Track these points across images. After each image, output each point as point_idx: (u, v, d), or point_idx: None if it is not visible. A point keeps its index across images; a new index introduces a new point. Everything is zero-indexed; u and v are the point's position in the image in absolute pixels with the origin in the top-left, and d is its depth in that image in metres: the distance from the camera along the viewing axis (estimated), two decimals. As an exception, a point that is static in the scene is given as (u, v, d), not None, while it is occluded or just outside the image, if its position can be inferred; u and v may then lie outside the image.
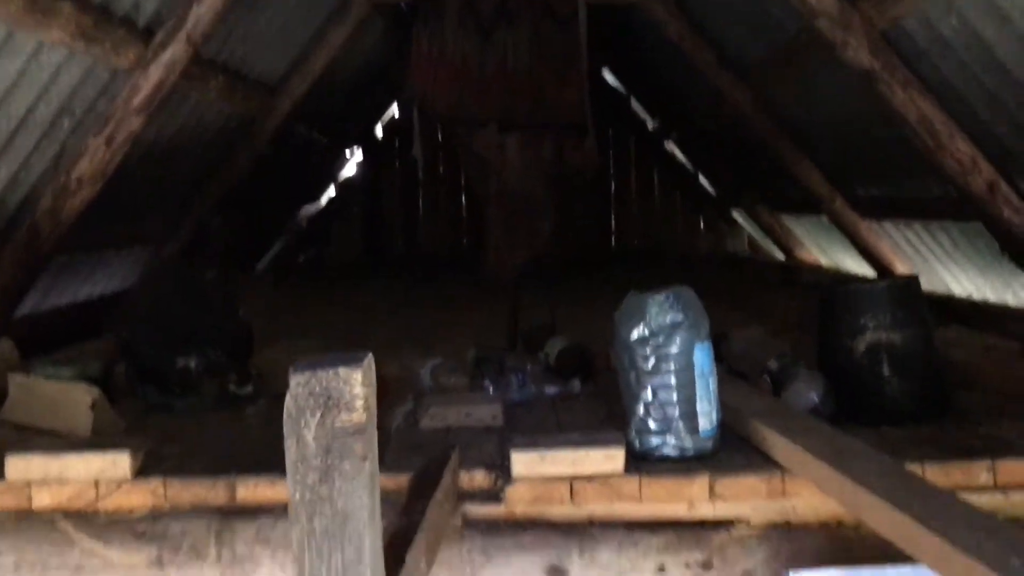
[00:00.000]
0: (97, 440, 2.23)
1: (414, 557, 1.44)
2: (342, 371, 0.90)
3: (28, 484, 2.03)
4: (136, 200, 5.09)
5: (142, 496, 2.04)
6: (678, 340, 2.05)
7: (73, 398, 2.38)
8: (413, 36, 5.64)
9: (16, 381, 2.57)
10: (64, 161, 3.97)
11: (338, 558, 0.86)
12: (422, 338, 3.60)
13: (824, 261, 7.03)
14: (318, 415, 0.88)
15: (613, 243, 9.17)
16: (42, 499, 2.03)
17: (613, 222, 9.24)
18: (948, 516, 1.44)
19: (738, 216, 8.29)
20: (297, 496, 0.89)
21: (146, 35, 3.94)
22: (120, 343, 3.03)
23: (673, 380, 2.04)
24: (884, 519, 1.53)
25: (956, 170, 3.66)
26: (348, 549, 0.86)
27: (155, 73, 3.90)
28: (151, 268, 3.62)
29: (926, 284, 5.29)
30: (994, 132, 3.59)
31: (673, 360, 2.04)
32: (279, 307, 5.02)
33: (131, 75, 3.91)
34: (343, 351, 3.18)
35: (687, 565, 1.96)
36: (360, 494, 0.87)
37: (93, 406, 2.35)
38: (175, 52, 3.90)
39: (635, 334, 2.07)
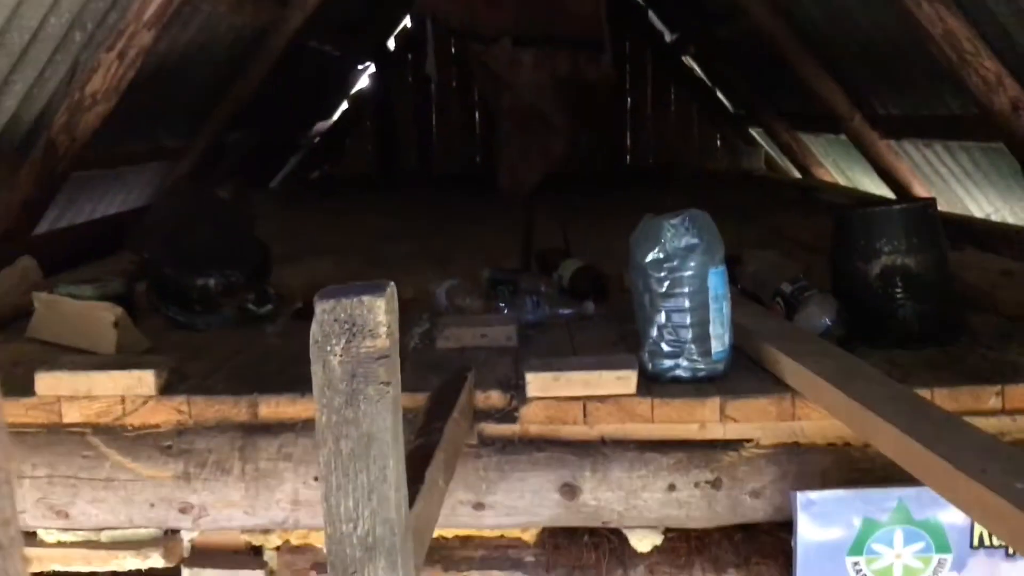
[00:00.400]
0: (122, 357, 2.29)
1: (432, 474, 1.49)
2: (366, 299, 0.93)
3: (58, 400, 2.09)
4: (150, 116, 5.08)
5: (167, 413, 2.10)
6: (692, 264, 2.06)
7: (97, 316, 2.43)
8: (426, -53, 5.49)
9: (41, 299, 2.62)
10: (78, 76, 3.95)
11: (364, 478, 0.90)
12: (437, 258, 3.62)
13: (842, 181, 6.96)
14: (343, 341, 0.91)
15: (628, 159, 9.07)
16: (72, 414, 2.10)
17: (628, 138, 9.13)
18: (954, 440, 1.47)
19: (755, 133, 8.17)
20: (324, 419, 0.92)
21: (155, -55, 3.86)
22: (141, 262, 3.07)
23: (687, 303, 2.06)
24: (891, 442, 1.57)
25: (980, 87, 3.59)
26: (373, 469, 0.90)
27: (165, -16, 3.83)
28: (169, 188, 3.63)
29: (944, 205, 5.28)
30: (1020, 49, 3.50)
31: (687, 283, 2.06)
32: (294, 226, 5.03)
33: (141, -13, 3.85)
34: (358, 273, 3.20)
35: (696, 484, 2.01)
36: (384, 417, 0.90)
37: (116, 324, 2.39)
38: (185, -38, 3.82)
39: (650, 257, 2.08)
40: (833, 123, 5.73)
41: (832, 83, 5.35)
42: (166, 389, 2.12)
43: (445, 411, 1.80)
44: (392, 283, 1.01)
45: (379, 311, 0.91)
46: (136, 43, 3.87)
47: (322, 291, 0.98)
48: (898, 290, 2.24)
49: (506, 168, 5.85)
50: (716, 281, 2.07)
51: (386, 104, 9.02)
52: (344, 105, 9.17)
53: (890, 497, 1.87)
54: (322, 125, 8.83)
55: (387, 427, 0.90)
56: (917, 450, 1.47)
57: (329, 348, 0.92)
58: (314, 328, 0.95)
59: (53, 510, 2.08)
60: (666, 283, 2.07)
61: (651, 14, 8.88)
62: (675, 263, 2.06)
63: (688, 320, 2.07)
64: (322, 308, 0.93)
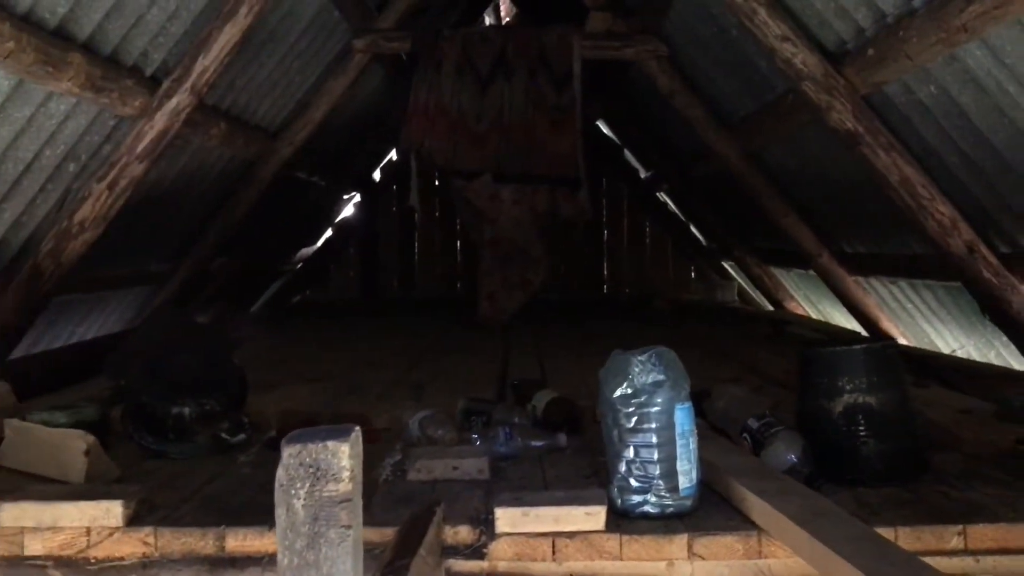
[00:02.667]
0: (90, 487, 2.27)
1: (397, 613, 1.49)
2: (331, 444, 0.97)
3: (21, 531, 2.07)
4: (136, 241, 5.18)
5: (133, 545, 2.07)
6: (659, 400, 2.11)
7: (68, 445, 2.42)
8: (412, 87, 5.76)
9: (12, 426, 2.61)
10: (68, 204, 4.06)
11: (323, 622, 0.92)
12: (414, 386, 3.65)
13: (813, 314, 7.12)
14: (307, 485, 0.94)
15: (605, 289, 9.27)
16: (34, 546, 2.06)
17: (605, 269, 9.35)
18: (912, 582, 1.49)
19: (729, 267, 8.40)
20: (285, 561, 0.94)
21: (153, 84, 4.06)
22: (118, 388, 3.09)
23: (654, 439, 2.10)
24: (851, 583, 1.58)
25: (937, 231, 3.76)
26: (333, 613, 0.92)
27: (160, 121, 4.01)
28: (151, 313, 3.68)
29: (912, 340, 5.42)
30: (973, 195, 3.70)
31: (654, 419, 2.10)
32: (274, 352, 5.07)
33: (136, 122, 4.02)
34: (334, 401, 3.21)
35: (665, 623, 1.99)
36: (344, 560, 0.92)
37: (87, 453, 2.39)
38: (180, 101, 4.02)
39: (618, 392, 2.13)
40: (802, 259, 5.93)
41: (800, 222, 5.57)
42: (134, 520, 2.10)
43: (412, 548, 1.80)
44: (357, 428, 1.06)
45: (343, 456, 0.95)
46: (127, 174, 4.01)
47: (290, 435, 1.02)
48: (861, 428, 2.29)
49: (486, 297, 5.97)
50: (682, 417, 2.12)
51: (370, 232, 9.25)
52: (328, 232, 9.38)
53: (857, 639, 1.86)
54: (306, 251, 9.00)
55: (347, 570, 0.92)
56: (877, 592, 1.49)
57: (293, 492, 0.95)
58: (280, 472, 0.99)
59: (7, 647, 2.02)
60: (634, 418, 2.12)
61: (627, 153, 9.27)
62: (643, 399, 2.11)
63: (656, 456, 2.10)
64: (288, 452, 0.97)
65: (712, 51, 5.22)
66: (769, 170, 5.58)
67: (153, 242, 5.52)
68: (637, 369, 2.14)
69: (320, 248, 9.28)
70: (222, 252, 6.28)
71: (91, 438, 2.43)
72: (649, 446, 2.11)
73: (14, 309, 3.94)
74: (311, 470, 0.95)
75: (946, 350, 5.00)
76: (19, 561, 2.07)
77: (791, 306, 7.29)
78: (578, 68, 5.69)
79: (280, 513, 0.96)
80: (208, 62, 4.00)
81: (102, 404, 3.02)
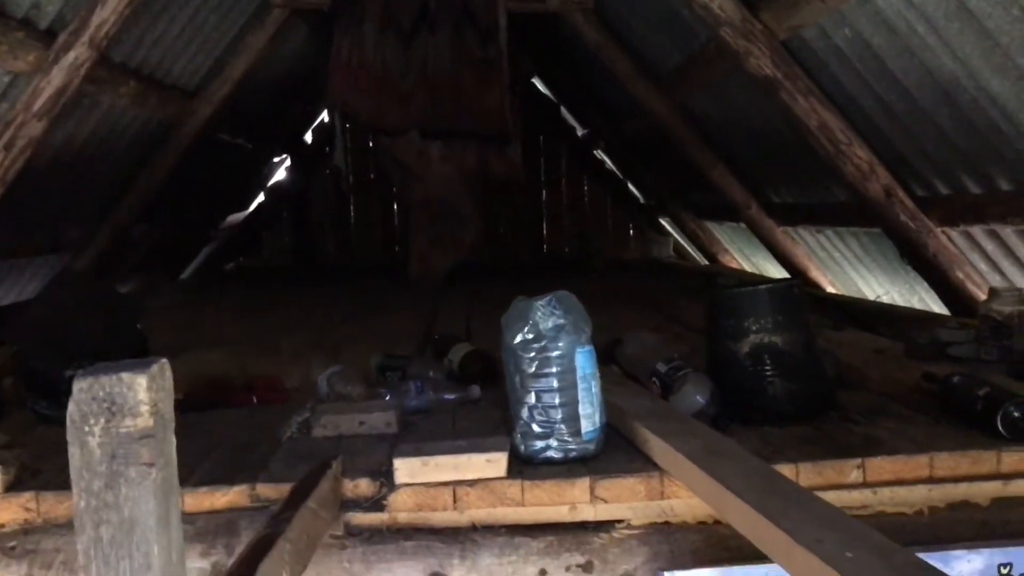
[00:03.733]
0: (-32, 454, 2.16)
1: (270, 567, 1.43)
2: (125, 376, 0.89)
3: None
4: (48, 207, 4.98)
5: (13, 511, 1.98)
6: (560, 344, 2.06)
7: (-51, 411, 2.31)
8: (333, 43, 5.60)
9: None
10: (-36, 167, 3.86)
11: (126, 566, 0.85)
12: (332, 347, 3.57)
13: (747, 267, 7.17)
14: (102, 421, 0.87)
15: (544, 250, 9.23)
16: (-92, 516, 1.96)
17: (545, 228, 9.30)
18: (799, 514, 1.48)
19: (665, 223, 8.41)
20: (83, 504, 0.87)
21: (48, 37, 3.86)
22: (12, 353, 2.95)
23: (555, 383, 2.06)
24: (740, 517, 1.57)
25: (855, 176, 3.77)
26: (136, 556, 0.85)
27: (57, 76, 3.82)
28: (52, 279, 3.53)
29: (841, 288, 5.48)
30: (889, 139, 3.71)
31: (555, 363, 2.06)
32: (194, 318, 4.92)
33: (32, 78, 3.83)
34: (246, 364, 3.11)
35: (568, 568, 1.97)
36: (147, 500, 0.86)
37: (-31, 419, 2.27)
38: (78, 55, 3.83)
39: (519, 338, 2.09)
40: (733, 212, 5.94)
41: (728, 174, 5.57)
42: (14, 485, 2.00)
43: (300, 501, 1.74)
44: (163, 360, 0.98)
45: (140, 389, 0.88)
46: (25, 133, 3.83)
47: (84, 370, 0.94)
48: (767, 368, 2.28)
49: (416, 257, 5.88)
50: (584, 360, 2.08)
51: (303, 195, 9.04)
52: (260, 197, 9.16)
53: (755, 573, 1.85)
54: (236, 217, 8.78)
55: (151, 511, 0.85)
56: (762, 524, 1.47)
57: (87, 428, 0.88)
58: (71, 408, 0.91)
59: None
60: (535, 363, 2.07)
61: (563, 110, 9.19)
62: (543, 343, 2.06)
63: (557, 400, 2.06)
64: (79, 386, 0.89)
65: (637, 2, 5.15)
66: (697, 122, 5.56)
67: (69, 208, 5.31)
68: (539, 314, 2.10)
69: (251, 213, 9.07)
70: (144, 218, 6.09)
71: (-28, 403, 2.31)
72: (551, 391, 2.07)
73: (-92, 277, 3.75)
74: (105, 405, 0.87)
75: (872, 297, 5.06)
76: None
77: (726, 260, 7.33)
78: (503, 21, 5.58)
79: (74, 452, 0.89)
80: (107, 14, 3.81)
81: (-3, 371, 2.89)
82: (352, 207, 9.18)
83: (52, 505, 1.99)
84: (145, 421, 0.87)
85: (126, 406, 0.87)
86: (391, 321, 4.40)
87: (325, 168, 8.96)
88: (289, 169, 9.06)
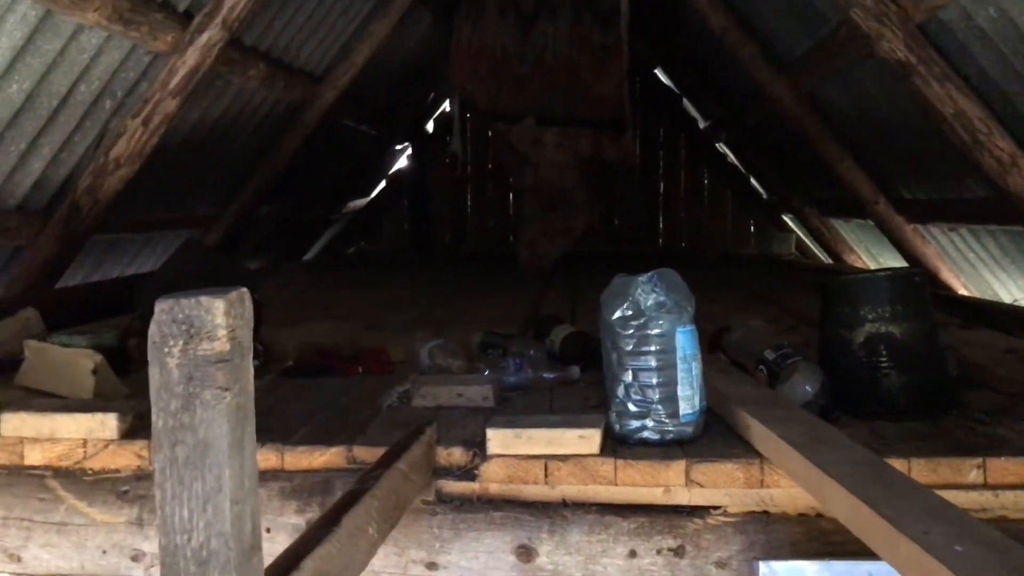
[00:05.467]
0: (88, 401, 2.29)
1: (354, 519, 1.45)
2: (204, 300, 0.91)
3: (21, 441, 2.10)
4: (181, 183, 5.24)
5: (128, 457, 2.08)
6: (661, 322, 2.01)
7: (77, 363, 2.45)
8: (454, 28, 5.66)
9: (30, 346, 2.65)
10: (105, 142, 4.10)
11: (199, 486, 0.87)
12: (437, 324, 3.61)
13: (873, 266, 6.84)
14: (180, 343, 0.89)
15: (660, 242, 9.08)
16: (33, 456, 2.09)
17: (661, 222, 9.15)
18: (903, 504, 1.38)
19: (788, 219, 8.13)
20: (160, 423, 0.90)
21: (185, 19, 4.05)
22: (138, 315, 3.12)
23: (654, 362, 2.01)
24: (841, 505, 1.48)
25: (995, 168, 3.53)
26: (208, 478, 0.87)
27: (191, 56, 4.00)
28: (176, 249, 3.71)
29: (974, 291, 5.15)
30: (1035, 129, 3.45)
31: (654, 342, 2.00)
32: (315, 294, 5.09)
33: (169, 58, 4.02)
34: (355, 336, 3.18)
35: (659, 551, 1.92)
36: (220, 424, 0.87)
37: (95, 371, 2.41)
38: (211, 36, 4.00)
39: (617, 314, 2.04)
40: (860, 208, 5.68)
41: (856, 167, 5.32)
42: (129, 433, 2.10)
43: (391, 462, 1.75)
44: (243, 289, 0.99)
45: (218, 313, 0.89)
46: (161, 110, 4.02)
47: (167, 296, 0.96)
48: (882, 359, 2.15)
49: (526, 243, 5.88)
50: (684, 341, 2.02)
51: (422, 183, 9.21)
52: (382, 184, 9.38)
53: (858, 570, 1.75)
54: (359, 202, 9.03)
55: (224, 434, 0.87)
56: (864, 512, 1.38)
57: (167, 350, 0.90)
58: (152, 329, 0.93)
59: (6, 553, 2.05)
60: (633, 341, 2.02)
61: (685, 102, 9.01)
62: (642, 321, 2.01)
63: (655, 379, 2.01)
64: (160, 308, 0.91)
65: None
66: (824, 112, 5.33)
67: (200, 185, 5.58)
68: (638, 291, 2.05)
69: (373, 200, 9.30)
70: (269, 199, 6.33)
71: (99, 357, 2.45)
72: (648, 370, 2.01)
73: (53, 243, 4.02)
74: (184, 327, 0.89)
75: (1009, 300, 4.74)
76: (19, 470, 2.10)
77: (851, 259, 7.02)
78: (625, 6, 5.50)
79: (153, 373, 0.91)
80: (239, -4, 3.96)
81: (124, 332, 3.05)
82: (469, 195, 9.29)
83: (163, 454, 2.07)
84: (222, 345, 0.88)
85: (204, 329, 0.89)
86: (497, 303, 4.42)
87: (444, 157, 9.10)
88: (410, 157, 9.24)
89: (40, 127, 3.73)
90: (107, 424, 2.08)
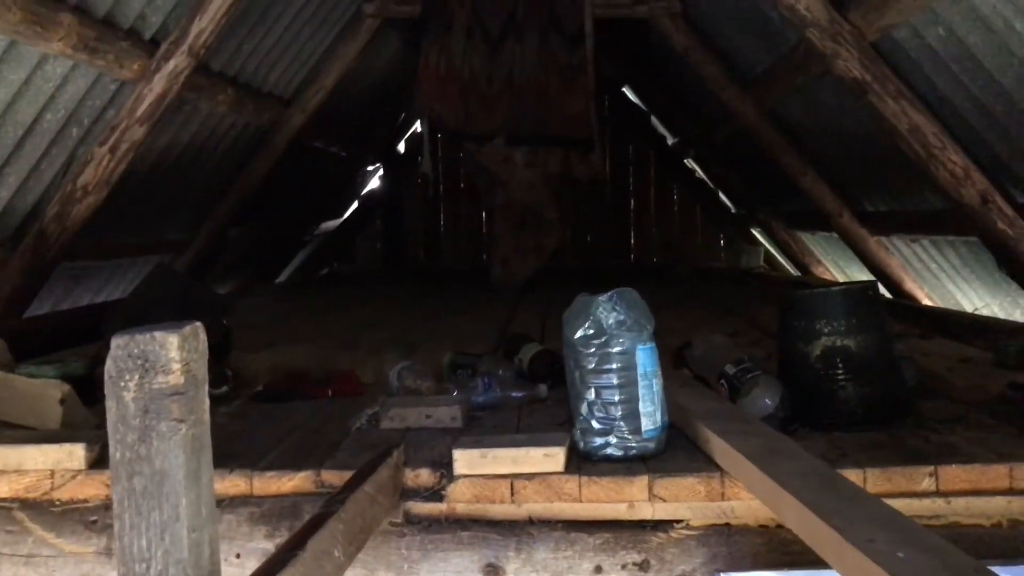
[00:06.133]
0: (55, 432, 2.29)
1: (320, 543, 1.47)
2: (158, 335, 0.94)
3: (-12, 474, 2.09)
4: (150, 209, 5.24)
5: (96, 487, 2.08)
6: (621, 340, 2.05)
7: (45, 394, 2.45)
8: (421, 50, 5.72)
9: (-4, 377, 2.64)
10: (73, 169, 4.10)
11: (156, 516, 0.89)
12: (409, 344, 3.63)
13: (841, 278, 6.95)
14: (136, 377, 0.92)
15: (632, 257, 9.17)
16: (1, 489, 2.09)
17: (632, 237, 9.25)
18: (853, 513, 1.43)
19: (756, 232, 8.24)
20: (118, 455, 0.92)
21: (151, 47, 4.08)
22: (105, 343, 3.11)
23: (616, 380, 2.05)
24: (793, 516, 1.53)
25: (949, 181, 3.62)
26: (166, 507, 0.89)
27: (158, 84, 4.02)
28: (146, 276, 3.71)
29: (938, 300, 5.25)
30: (986, 142, 3.55)
31: (616, 359, 2.05)
32: (286, 317, 5.09)
33: (136, 85, 4.04)
34: (327, 358, 3.19)
35: (624, 566, 1.95)
36: (176, 454, 0.90)
37: (63, 401, 2.41)
38: (177, 63, 4.02)
39: (580, 333, 2.08)
40: (825, 221, 5.78)
41: (819, 181, 5.43)
42: (97, 463, 2.11)
43: (357, 485, 1.78)
44: (197, 323, 1.02)
45: (171, 347, 0.92)
46: (128, 138, 4.03)
47: (123, 331, 0.99)
48: (839, 372, 2.21)
49: (499, 261, 5.93)
50: (645, 358, 2.06)
51: (395, 203, 9.24)
52: (354, 204, 9.40)
53: (815, 580, 1.79)
54: (331, 223, 9.04)
55: (180, 465, 0.89)
56: (813, 521, 1.43)
57: (123, 384, 0.93)
58: (108, 364, 0.96)
59: (-27, 586, 2.05)
60: (595, 359, 2.06)
61: (653, 119, 9.13)
62: (604, 339, 2.05)
63: (617, 397, 2.05)
64: (116, 344, 0.94)
65: (725, 5, 5.08)
66: (786, 128, 5.44)
67: (170, 211, 5.57)
68: (600, 310, 2.09)
69: (346, 220, 9.32)
70: (240, 222, 6.33)
71: (66, 387, 2.45)
72: (611, 387, 2.05)
73: (21, 272, 4.01)
74: (139, 361, 0.92)
75: (970, 309, 4.84)
76: (-14, 503, 2.09)
77: (818, 271, 7.13)
78: (590, 27, 5.59)
79: (111, 406, 0.93)
80: (204, 23, 3.99)
81: (92, 360, 3.04)
82: (441, 215, 9.34)
83: (131, 482, 2.08)
84: (176, 379, 0.91)
85: (159, 363, 0.91)
86: (469, 322, 4.46)
87: (416, 177, 9.14)
88: (382, 177, 9.28)
89: (6, 156, 3.73)
90: (75, 454, 2.08)
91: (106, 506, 2.08)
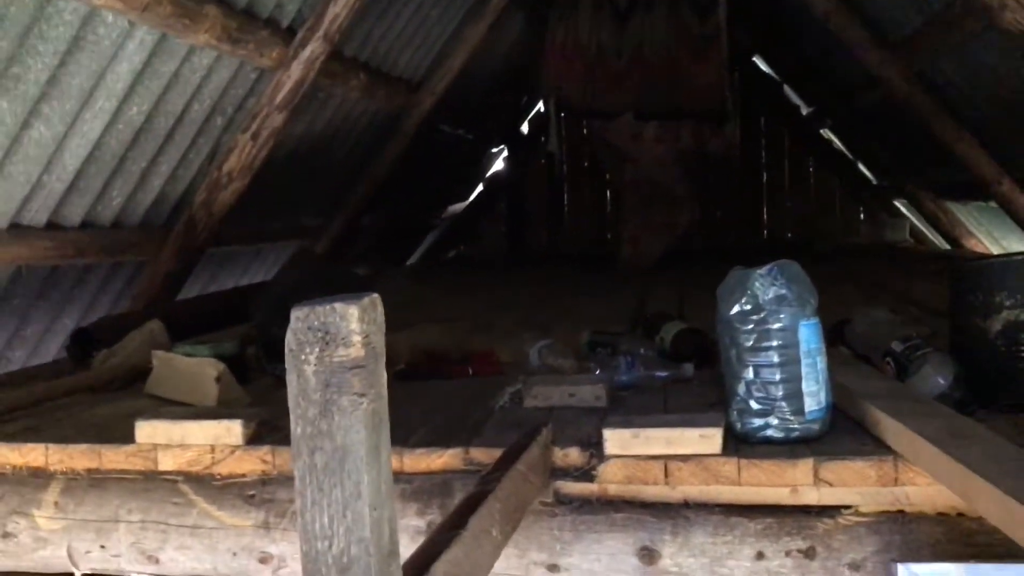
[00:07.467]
0: (214, 409, 2.37)
1: (480, 522, 1.44)
2: (339, 307, 0.91)
3: (154, 448, 2.18)
4: (288, 195, 5.40)
5: (253, 463, 2.14)
6: (782, 316, 1.94)
7: (202, 372, 2.54)
8: (548, 26, 5.64)
9: (157, 356, 2.77)
10: (218, 157, 4.26)
11: (338, 493, 0.87)
12: (542, 325, 3.59)
13: (997, 252, 6.49)
14: (316, 350, 0.90)
15: (766, 235, 8.84)
16: (166, 462, 2.17)
17: (765, 214, 8.91)
18: (1065, 503, 1.29)
19: (900, 204, 7.79)
20: (299, 431, 0.90)
21: (289, 35, 4.16)
22: (255, 325, 3.21)
23: (776, 358, 1.94)
24: (994, 506, 1.39)
25: None
26: (348, 484, 0.87)
27: (296, 70, 4.11)
28: (289, 260, 3.82)
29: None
30: None
31: (776, 336, 1.93)
32: (420, 298, 5.15)
33: (275, 73, 4.14)
34: (463, 338, 3.21)
35: (788, 553, 1.85)
36: (358, 429, 0.87)
37: (218, 379, 2.49)
38: (314, 49, 4.10)
39: (736, 309, 1.98)
40: (981, 189, 5.39)
41: (976, 146, 5.05)
42: (253, 440, 2.16)
43: (510, 464, 1.75)
44: (374, 294, 0.99)
45: (352, 319, 0.89)
46: (269, 124, 4.15)
47: (303, 302, 0.97)
48: (1021, 348, 2.02)
49: (628, 241, 5.81)
50: (808, 334, 1.94)
51: (519, 184, 9.23)
52: (479, 187, 9.45)
53: (1008, 573, 1.65)
54: (457, 206, 9.12)
55: (361, 440, 0.87)
56: (1019, 512, 1.29)
57: (303, 357, 0.91)
58: (288, 337, 0.94)
59: (145, 555, 2.14)
60: (753, 336, 1.96)
61: (786, 89, 8.75)
62: (762, 315, 1.95)
63: (778, 376, 1.94)
64: (296, 316, 0.92)
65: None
66: (940, 92, 5.08)
67: (306, 197, 5.73)
68: (758, 284, 1.98)
69: (471, 203, 9.37)
70: (371, 207, 6.45)
71: (222, 366, 2.54)
72: (771, 366, 1.95)
73: (174, 258, 4.19)
74: (320, 334, 0.90)
75: None
76: (154, 475, 2.18)
77: (971, 244, 6.68)
78: (723, -3, 5.38)
79: (291, 380, 0.92)
80: (339, 8, 4.05)
81: (242, 341, 3.15)
82: (566, 196, 9.25)
83: (286, 459, 2.12)
84: (357, 351, 0.88)
85: (339, 336, 0.89)
86: (600, 302, 4.39)
87: (540, 158, 9.09)
88: (506, 159, 9.28)
89: (159, 146, 3.89)
90: (233, 431, 2.14)
91: (263, 481, 2.13)
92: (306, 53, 4.07)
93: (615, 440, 1.96)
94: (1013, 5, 3.39)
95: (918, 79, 5.06)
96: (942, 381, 2.09)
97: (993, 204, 5.45)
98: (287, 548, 2.07)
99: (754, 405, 1.96)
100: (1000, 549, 1.72)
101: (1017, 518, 1.31)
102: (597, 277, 5.76)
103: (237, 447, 2.14)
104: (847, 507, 1.85)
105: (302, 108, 4.48)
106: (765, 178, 8.87)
